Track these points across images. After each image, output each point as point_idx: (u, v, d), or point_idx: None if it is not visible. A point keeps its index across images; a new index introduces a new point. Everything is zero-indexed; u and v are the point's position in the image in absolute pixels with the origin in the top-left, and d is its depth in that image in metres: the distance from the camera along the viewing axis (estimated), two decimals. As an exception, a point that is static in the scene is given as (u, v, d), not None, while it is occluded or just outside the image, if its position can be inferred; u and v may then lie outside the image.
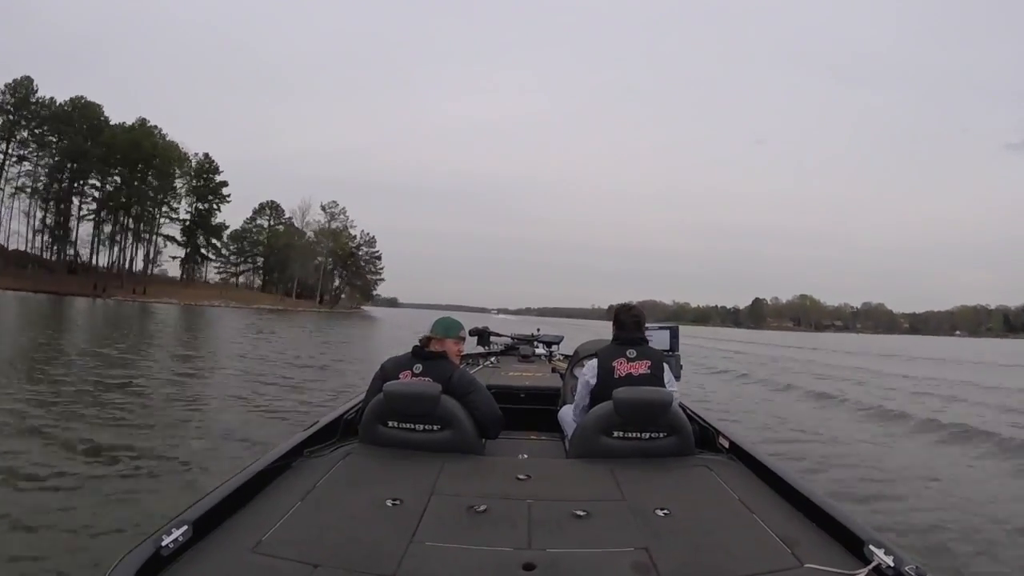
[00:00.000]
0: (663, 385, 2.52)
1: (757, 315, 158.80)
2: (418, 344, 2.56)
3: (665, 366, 2.61)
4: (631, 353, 2.58)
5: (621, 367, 2.54)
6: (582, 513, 1.69)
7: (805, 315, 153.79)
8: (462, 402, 2.37)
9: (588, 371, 2.63)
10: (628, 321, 2.71)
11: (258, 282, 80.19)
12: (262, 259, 78.93)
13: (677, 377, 3.04)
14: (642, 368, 2.54)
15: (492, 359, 5.72)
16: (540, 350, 6.26)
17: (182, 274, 73.19)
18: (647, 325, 3.17)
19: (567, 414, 2.87)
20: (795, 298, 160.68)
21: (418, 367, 2.46)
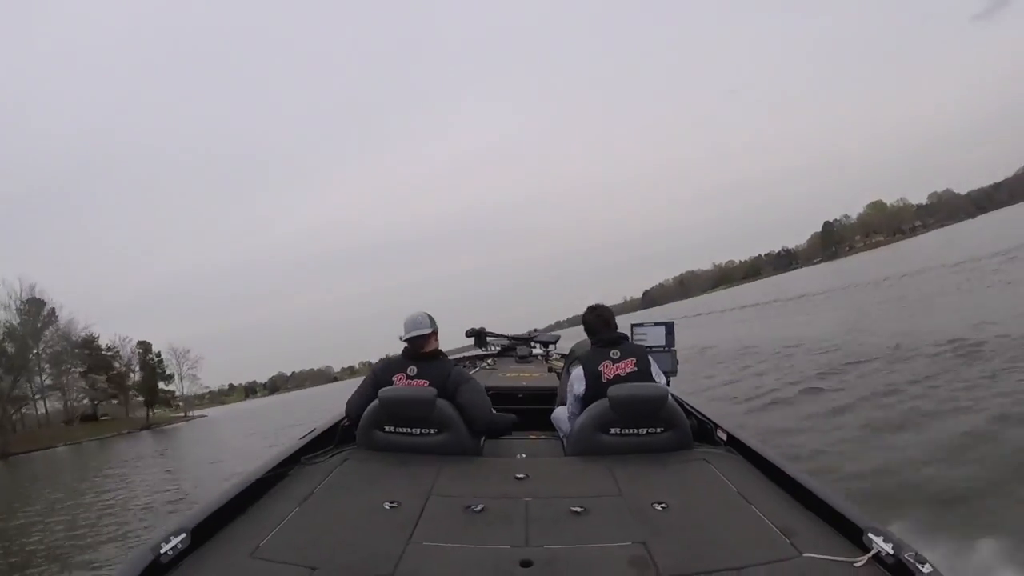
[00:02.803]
0: (653, 380, 2.51)
1: (833, 241, 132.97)
2: (408, 347, 2.55)
3: (651, 360, 2.59)
4: (615, 354, 2.55)
5: (608, 370, 2.51)
6: (579, 510, 1.70)
7: (885, 225, 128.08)
8: (456, 399, 2.38)
9: (575, 379, 2.59)
10: (596, 323, 2.68)
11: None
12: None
13: (673, 372, 3.12)
14: (628, 367, 2.51)
15: (489, 360, 5.69)
16: (537, 350, 6.21)
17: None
18: (643, 323, 3.34)
19: (561, 415, 2.84)
20: (865, 210, 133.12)
21: (412, 369, 2.45)
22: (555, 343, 6.36)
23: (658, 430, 2.29)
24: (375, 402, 2.32)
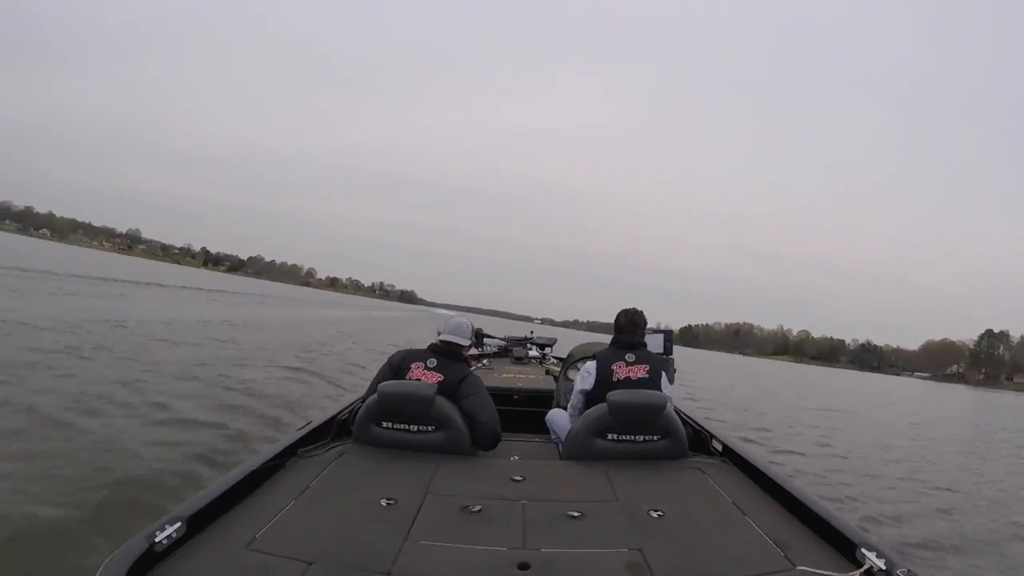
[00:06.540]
0: (660, 390, 2.52)
1: (988, 362, 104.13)
2: (437, 342, 2.56)
3: (663, 373, 2.61)
4: (630, 357, 2.57)
5: (620, 370, 2.53)
6: (576, 514, 1.70)
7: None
8: (465, 402, 2.37)
9: (586, 372, 2.60)
10: (626, 324, 2.70)
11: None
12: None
13: (671, 381, 3.07)
14: (640, 372, 2.53)
15: (485, 361, 5.67)
16: (534, 352, 6.25)
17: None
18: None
19: (557, 416, 2.87)
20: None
21: (432, 361, 2.46)
22: (551, 346, 6.51)
23: (655, 438, 2.30)
24: (373, 396, 2.33)
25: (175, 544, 1.40)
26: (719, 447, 2.52)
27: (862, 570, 1.39)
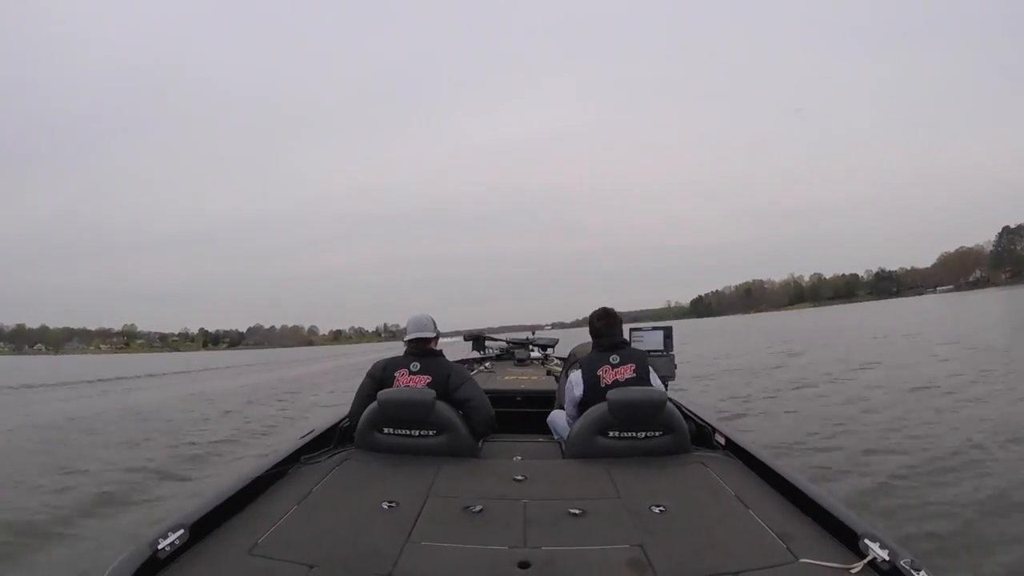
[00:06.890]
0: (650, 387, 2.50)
1: (1015, 259, 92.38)
2: (410, 344, 2.58)
3: (650, 367, 2.59)
4: (614, 359, 2.54)
5: (607, 374, 2.51)
6: (577, 512, 1.70)
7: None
8: (456, 396, 2.42)
9: (574, 380, 2.59)
10: (602, 327, 2.66)
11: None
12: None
13: (672, 377, 3.08)
14: (627, 372, 2.51)
15: (487, 364, 5.68)
16: (535, 354, 6.24)
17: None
18: (641, 327, 3.35)
19: (558, 418, 2.86)
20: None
21: (415, 365, 2.49)
22: (553, 346, 6.44)
23: (656, 434, 2.30)
24: (374, 404, 2.35)
25: (178, 551, 1.42)
26: (722, 441, 2.52)
27: (865, 561, 1.39)
